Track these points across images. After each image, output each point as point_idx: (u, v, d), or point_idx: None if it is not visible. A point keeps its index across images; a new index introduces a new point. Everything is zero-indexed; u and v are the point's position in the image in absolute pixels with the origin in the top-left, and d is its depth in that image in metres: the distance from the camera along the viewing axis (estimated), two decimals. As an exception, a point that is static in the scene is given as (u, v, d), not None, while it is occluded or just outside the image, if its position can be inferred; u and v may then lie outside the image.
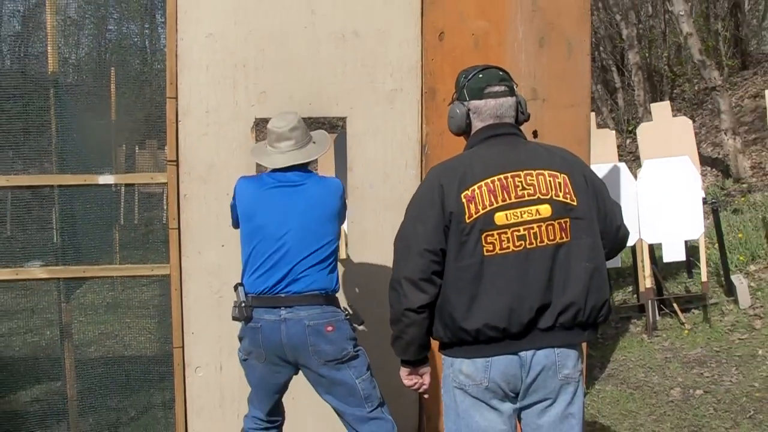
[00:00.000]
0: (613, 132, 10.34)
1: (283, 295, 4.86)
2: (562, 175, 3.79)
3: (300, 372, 5.06)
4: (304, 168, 5.06)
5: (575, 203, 3.76)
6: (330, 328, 4.84)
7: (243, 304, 4.91)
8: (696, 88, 19.86)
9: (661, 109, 10.12)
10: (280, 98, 5.97)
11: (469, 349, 3.71)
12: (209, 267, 5.95)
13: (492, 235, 3.66)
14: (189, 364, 5.99)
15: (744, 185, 13.87)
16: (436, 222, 3.71)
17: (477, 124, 3.96)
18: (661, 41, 21.55)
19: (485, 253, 3.66)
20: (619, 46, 21.21)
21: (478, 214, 3.67)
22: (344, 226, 6.04)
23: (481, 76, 3.96)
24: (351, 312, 5.05)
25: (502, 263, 3.66)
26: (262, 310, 4.88)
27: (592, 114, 7.24)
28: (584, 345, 6.06)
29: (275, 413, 5.19)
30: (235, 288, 5.01)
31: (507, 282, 3.64)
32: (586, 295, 3.70)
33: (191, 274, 5.94)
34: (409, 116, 6.13)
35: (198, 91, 5.88)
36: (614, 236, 3.94)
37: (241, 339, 5.03)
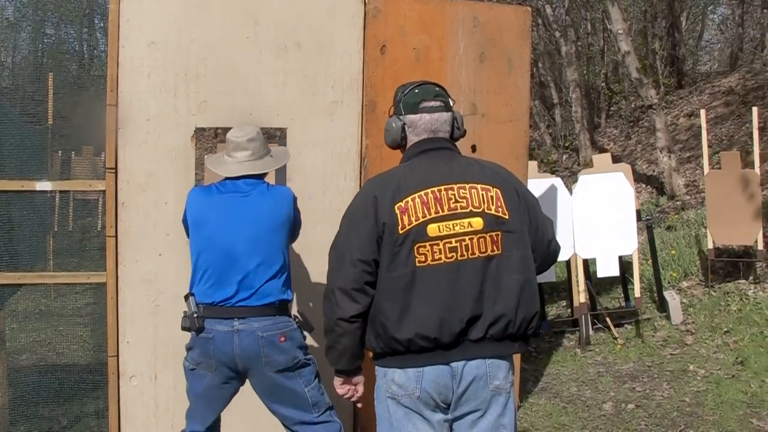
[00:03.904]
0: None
1: (237, 306, 4.84)
2: (495, 189, 3.84)
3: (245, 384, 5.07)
4: (255, 177, 5.05)
5: (507, 217, 3.81)
6: (283, 339, 4.85)
7: (195, 315, 4.86)
8: (632, 105, 20.13)
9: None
10: (221, 108, 5.97)
11: (401, 359, 3.75)
12: (146, 275, 5.91)
13: (424, 247, 3.70)
14: (123, 373, 5.93)
15: (678, 202, 14.07)
16: (369, 233, 3.74)
17: (412, 138, 4.01)
18: (599, 59, 21.83)
19: (417, 264, 3.70)
20: (557, 63, 21.44)
21: (411, 226, 3.71)
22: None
23: (417, 91, 4.01)
24: (301, 319, 5.06)
25: (434, 274, 3.70)
26: (214, 321, 4.84)
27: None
28: (517, 357, 6.12)
29: (215, 428, 5.14)
30: (186, 298, 4.95)
31: (438, 293, 3.69)
32: (517, 307, 3.76)
33: (127, 282, 5.90)
34: (349, 128, 6.15)
35: (138, 98, 5.84)
36: (545, 250, 4.00)
37: (189, 349, 4.96)
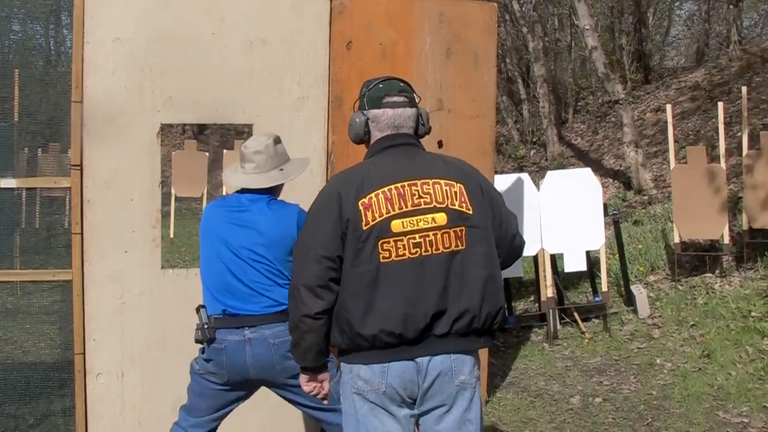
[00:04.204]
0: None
1: (246, 316, 4.82)
2: (458, 184, 3.85)
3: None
4: (261, 192, 4.96)
5: (471, 212, 3.82)
6: None
7: (205, 326, 4.85)
8: (600, 100, 20.21)
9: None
10: (187, 104, 5.95)
11: (367, 355, 3.75)
12: (112, 273, 5.89)
13: (388, 242, 3.71)
14: (90, 371, 5.92)
15: (645, 197, 14.14)
16: (333, 229, 3.74)
17: (375, 134, 4.01)
18: (566, 54, 21.91)
19: (381, 260, 3.70)
20: (525, 58, 21.51)
21: (374, 222, 3.72)
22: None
23: (381, 86, 4.02)
24: None
25: (398, 270, 3.71)
26: (225, 331, 4.83)
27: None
28: (484, 352, 6.12)
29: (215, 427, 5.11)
30: (197, 310, 4.94)
31: (402, 289, 3.70)
32: (481, 302, 3.77)
33: (93, 279, 5.87)
34: (315, 124, 6.16)
35: (103, 95, 5.81)
36: (509, 245, 4.01)
37: (207, 360, 4.93)
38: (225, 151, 17.06)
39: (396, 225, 3.72)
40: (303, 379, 4.10)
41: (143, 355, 5.91)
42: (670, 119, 10.64)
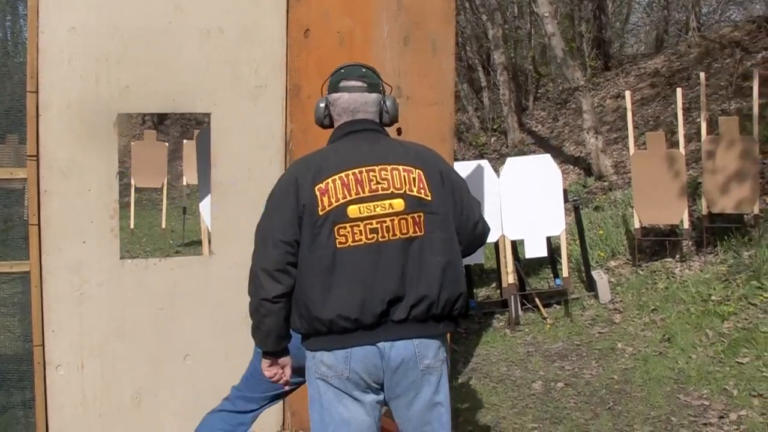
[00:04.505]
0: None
1: None
2: (417, 170, 3.86)
3: None
4: None
5: (429, 198, 3.83)
6: None
7: None
8: (560, 88, 20.28)
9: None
10: (144, 93, 5.90)
11: (327, 341, 3.77)
12: (70, 264, 5.83)
13: (345, 228, 3.72)
14: (50, 363, 5.87)
15: (605, 183, 14.22)
16: (291, 214, 3.76)
17: (336, 119, 4.05)
18: (526, 42, 21.95)
19: (338, 245, 3.72)
20: (485, 46, 21.53)
21: (330, 207, 3.73)
22: (207, 223, 6.00)
23: (342, 71, 4.05)
24: None
25: (355, 255, 3.72)
26: None
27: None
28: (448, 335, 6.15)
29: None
30: None
31: (359, 274, 3.71)
32: (440, 288, 3.78)
33: (51, 270, 5.82)
34: (273, 113, 6.13)
35: (59, 85, 5.75)
36: (471, 232, 4.01)
37: None
38: (185, 141, 16.99)
39: (353, 210, 3.74)
40: (264, 364, 4.10)
41: (102, 345, 5.87)
42: (629, 105, 10.71)
